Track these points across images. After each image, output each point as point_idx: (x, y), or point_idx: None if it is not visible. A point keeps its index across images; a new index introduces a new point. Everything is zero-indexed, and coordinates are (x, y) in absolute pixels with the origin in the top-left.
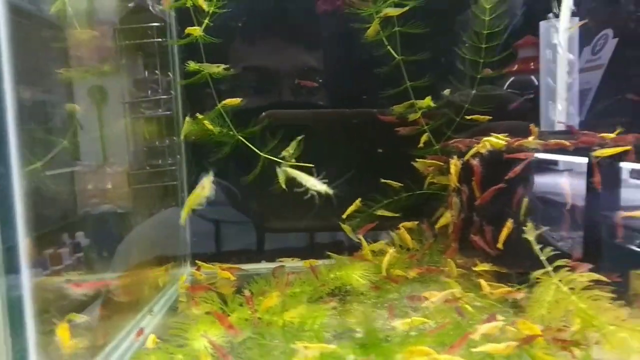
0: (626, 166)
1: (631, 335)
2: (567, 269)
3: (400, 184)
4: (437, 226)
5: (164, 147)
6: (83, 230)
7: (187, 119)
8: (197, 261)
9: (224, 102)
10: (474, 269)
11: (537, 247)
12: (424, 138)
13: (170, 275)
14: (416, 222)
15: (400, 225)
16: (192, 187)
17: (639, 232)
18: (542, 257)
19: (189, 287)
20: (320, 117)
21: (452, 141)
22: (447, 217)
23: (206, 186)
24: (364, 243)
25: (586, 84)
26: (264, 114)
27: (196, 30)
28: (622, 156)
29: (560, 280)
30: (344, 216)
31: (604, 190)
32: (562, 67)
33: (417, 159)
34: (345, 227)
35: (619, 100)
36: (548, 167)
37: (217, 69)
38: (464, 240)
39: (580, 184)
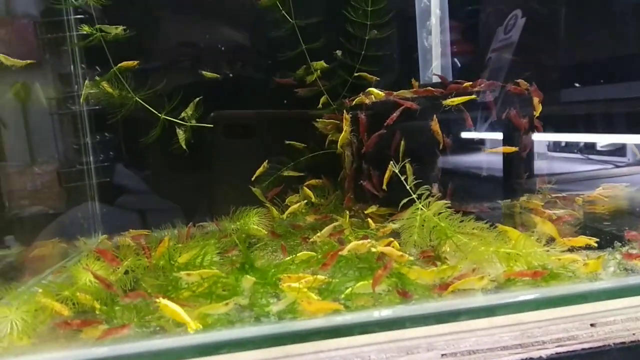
0: (544, 139)
1: (480, 243)
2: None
3: (304, 145)
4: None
5: (93, 144)
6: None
7: (87, 82)
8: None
9: (120, 64)
10: (365, 212)
11: (402, 178)
12: (322, 99)
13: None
14: (319, 180)
15: (306, 183)
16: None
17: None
18: (408, 187)
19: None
20: (264, 117)
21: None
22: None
23: None
24: (271, 207)
25: (499, 62)
26: (212, 114)
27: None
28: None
29: (422, 207)
30: (253, 179)
31: None
32: (436, 33)
33: (317, 119)
34: (256, 190)
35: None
36: None
37: (116, 29)
38: (360, 188)
39: None
